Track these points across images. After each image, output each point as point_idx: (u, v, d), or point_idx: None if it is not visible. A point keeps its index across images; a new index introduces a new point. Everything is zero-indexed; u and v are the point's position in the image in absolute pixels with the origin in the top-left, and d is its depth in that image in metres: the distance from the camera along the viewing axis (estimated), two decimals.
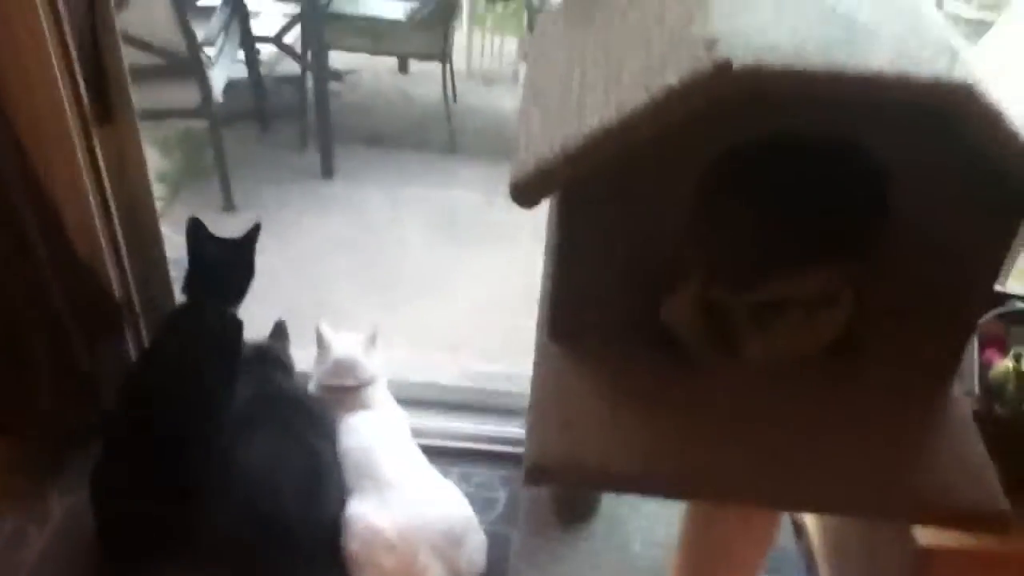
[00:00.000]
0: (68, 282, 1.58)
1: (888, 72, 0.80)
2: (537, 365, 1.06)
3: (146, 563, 1.55)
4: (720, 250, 1.05)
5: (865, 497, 0.91)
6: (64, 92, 1.44)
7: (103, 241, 1.60)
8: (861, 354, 1.03)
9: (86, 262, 1.59)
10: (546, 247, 1.59)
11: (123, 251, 1.66)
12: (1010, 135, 0.80)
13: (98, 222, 1.58)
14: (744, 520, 1.01)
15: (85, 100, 1.49)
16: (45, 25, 1.37)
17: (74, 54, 1.44)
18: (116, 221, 1.63)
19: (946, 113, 0.81)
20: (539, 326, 1.10)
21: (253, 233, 1.68)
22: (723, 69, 0.80)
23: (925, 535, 1.20)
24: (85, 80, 1.48)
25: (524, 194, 0.91)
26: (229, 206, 3.02)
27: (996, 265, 0.97)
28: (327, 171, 3.40)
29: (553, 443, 0.96)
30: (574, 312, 1.07)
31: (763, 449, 0.94)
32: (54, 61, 1.40)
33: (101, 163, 1.56)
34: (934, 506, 0.90)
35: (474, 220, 3.20)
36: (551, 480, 0.95)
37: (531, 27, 3.52)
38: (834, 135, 0.90)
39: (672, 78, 0.83)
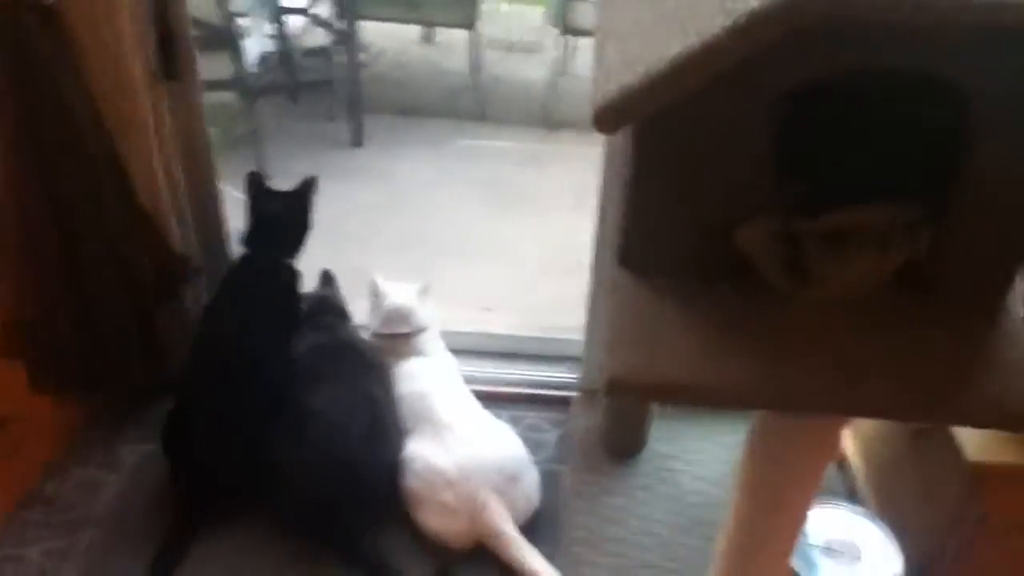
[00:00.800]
0: (135, 238, 1.63)
1: None
2: (610, 290, 1.10)
3: (220, 507, 1.62)
4: (796, 181, 1.09)
5: (932, 402, 0.96)
6: (134, 47, 1.49)
7: (166, 195, 1.65)
8: (927, 280, 1.07)
9: (151, 216, 1.65)
10: (605, 183, 1.62)
11: (185, 206, 1.71)
12: None
13: (162, 179, 1.63)
14: (810, 430, 1.06)
15: (153, 56, 1.54)
16: None
17: (144, 10, 1.49)
18: (181, 179, 1.67)
19: None
20: (607, 254, 1.14)
21: (308, 185, 1.73)
22: None
23: (976, 451, 1.25)
24: (154, 39, 1.53)
25: (607, 120, 0.94)
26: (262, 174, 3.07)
27: None
28: (357, 140, 3.46)
29: (631, 358, 1.00)
30: (646, 241, 1.11)
31: (834, 364, 0.98)
32: (126, 20, 1.45)
33: (166, 118, 1.61)
34: (997, 409, 0.95)
35: (504, 186, 3.25)
36: (630, 391, 0.99)
37: None
38: (917, 67, 0.93)
39: (753, 3, 0.87)
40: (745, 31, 0.87)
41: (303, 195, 1.73)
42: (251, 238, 1.69)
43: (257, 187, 1.71)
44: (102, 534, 1.59)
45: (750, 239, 1.05)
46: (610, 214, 1.22)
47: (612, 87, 0.96)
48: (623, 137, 1.27)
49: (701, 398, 1.02)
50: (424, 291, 1.80)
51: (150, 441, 1.74)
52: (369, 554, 1.54)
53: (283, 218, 1.70)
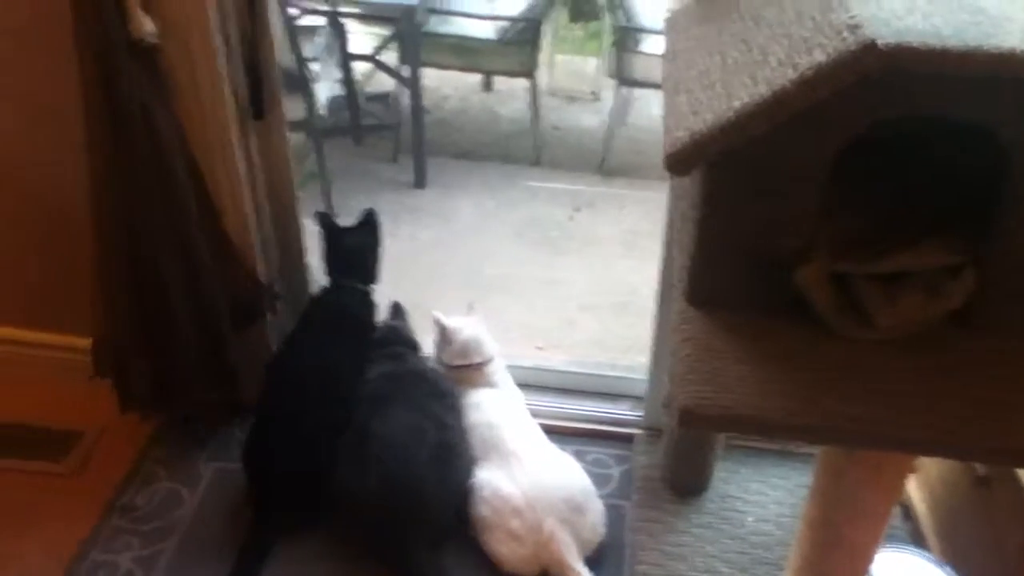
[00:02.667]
0: (221, 269, 1.72)
1: (1020, 50, 0.89)
2: (677, 325, 1.15)
3: (292, 525, 1.68)
4: (847, 225, 1.14)
5: (987, 440, 0.98)
6: (226, 88, 1.60)
7: (254, 229, 1.75)
8: (981, 323, 1.10)
9: (238, 249, 1.74)
10: (671, 215, 1.67)
11: (270, 240, 1.81)
12: None
13: (249, 208, 1.73)
14: (874, 468, 1.09)
15: (243, 97, 1.65)
16: (213, 25, 1.53)
17: (236, 54, 1.60)
18: (265, 210, 1.78)
19: None
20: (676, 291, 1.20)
21: (372, 217, 1.85)
22: (868, 47, 0.89)
23: None
24: (245, 79, 1.64)
25: (679, 163, 1.01)
26: (330, 213, 3.19)
27: None
28: (419, 182, 3.57)
29: (701, 390, 1.05)
30: (711, 277, 1.16)
31: (893, 402, 1.02)
32: (220, 60, 1.56)
33: (254, 156, 1.71)
34: None
35: (558, 230, 3.33)
36: (700, 422, 1.03)
37: (616, 46, 3.64)
38: (962, 115, 0.99)
39: (820, 56, 0.93)
40: (812, 83, 0.94)
41: (371, 227, 1.84)
42: (333, 267, 1.79)
43: (329, 224, 1.81)
44: (184, 544, 1.67)
45: (807, 279, 1.09)
46: (676, 255, 1.27)
47: (683, 133, 1.03)
48: (689, 181, 1.33)
49: (767, 432, 1.06)
50: (470, 308, 1.88)
51: (226, 459, 1.83)
52: (432, 574, 1.58)
53: (359, 248, 1.81)
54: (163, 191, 1.59)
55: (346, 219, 1.89)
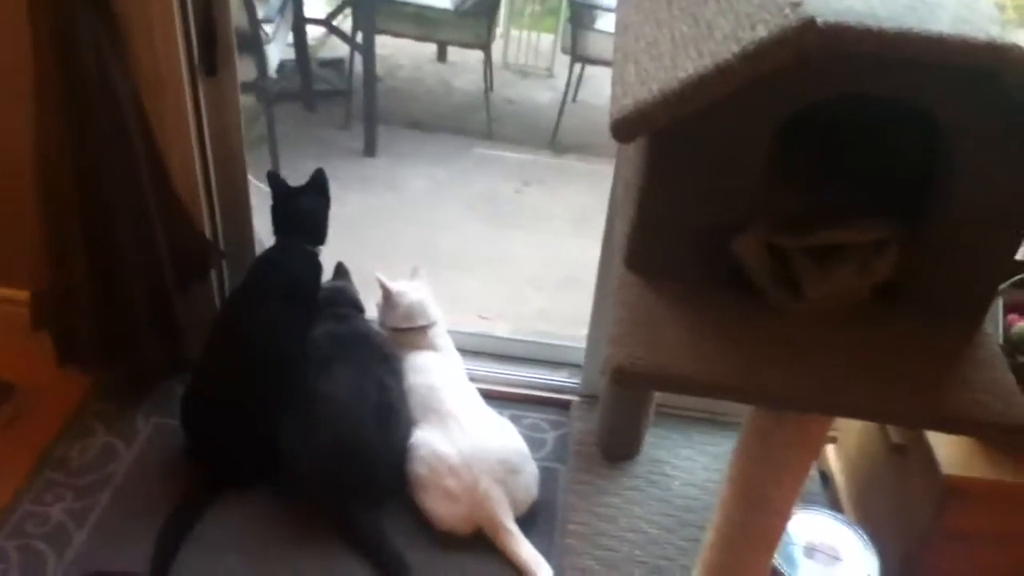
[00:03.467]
0: (168, 223, 1.71)
1: (949, 34, 0.94)
2: (617, 290, 1.19)
3: (231, 481, 1.69)
4: (784, 198, 1.19)
5: (906, 406, 1.05)
6: (180, 43, 1.59)
7: (201, 186, 1.74)
8: (906, 296, 1.17)
9: (185, 205, 1.73)
10: (615, 187, 1.70)
11: (215, 196, 1.80)
12: None
13: (198, 166, 1.72)
14: (797, 430, 1.14)
15: (195, 52, 1.63)
16: None
17: (190, 10, 1.59)
18: (212, 168, 1.77)
19: (997, 73, 0.94)
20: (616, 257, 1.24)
21: (319, 177, 1.85)
22: (808, 25, 0.94)
23: (953, 465, 1.34)
24: (197, 34, 1.62)
25: (624, 131, 1.05)
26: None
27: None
28: (370, 150, 3.55)
29: (636, 351, 1.09)
30: (652, 246, 1.20)
31: (817, 367, 1.07)
32: (175, 15, 1.55)
33: (204, 112, 1.70)
34: (966, 417, 1.03)
35: (508, 203, 3.36)
36: (634, 382, 1.08)
37: (571, 22, 3.66)
38: (896, 96, 1.04)
39: (763, 32, 0.97)
40: (753, 57, 0.98)
41: (320, 187, 1.85)
42: (281, 227, 1.79)
43: (279, 183, 1.81)
44: (118, 498, 1.67)
45: (744, 249, 1.14)
46: (618, 224, 1.31)
47: (629, 102, 1.07)
48: (633, 150, 1.37)
49: (693, 389, 1.11)
50: (415, 272, 1.91)
51: (165, 414, 1.83)
52: (371, 532, 1.61)
53: (309, 209, 1.81)
54: (114, 144, 1.58)
55: (294, 183, 1.89)
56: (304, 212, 1.80)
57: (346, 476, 1.62)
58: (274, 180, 1.83)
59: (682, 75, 1.03)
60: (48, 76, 1.48)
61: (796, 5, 0.97)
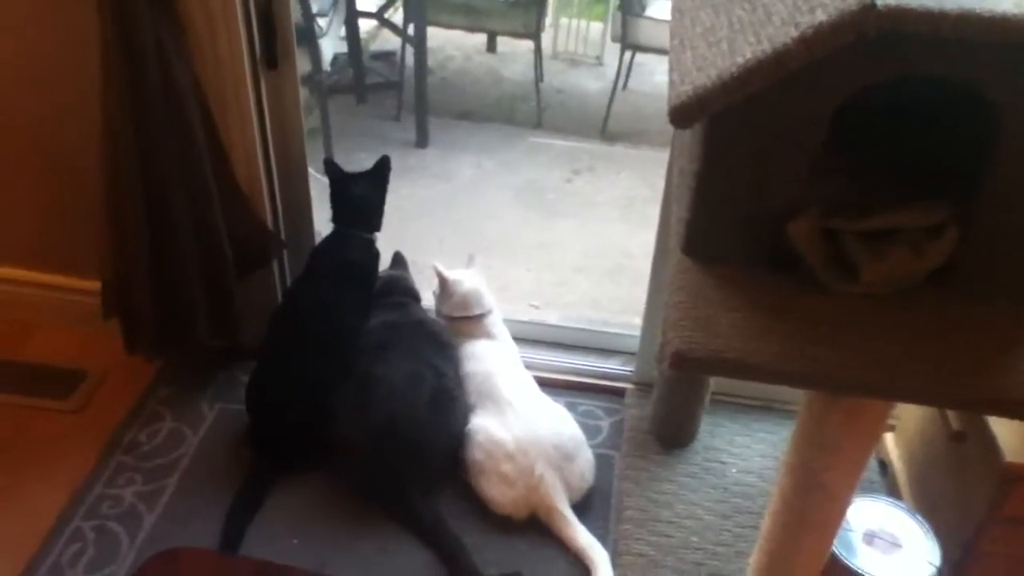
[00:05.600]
0: (229, 213, 1.76)
1: (1012, 14, 0.93)
2: (674, 275, 1.20)
3: (292, 467, 1.74)
4: (838, 182, 1.19)
5: (963, 389, 1.04)
6: (242, 38, 1.63)
7: (262, 177, 1.78)
8: (960, 279, 1.15)
9: (246, 196, 1.78)
10: (670, 175, 1.71)
11: (276, 187, 1.84)
12: None
13: (260, 157, 1.76)
14: (854, 414, 1.14)
15: (258, 47, 1.67)
16: None
17: (252, 4, 1.63)
18: (273, 158, 1.81)
19: None
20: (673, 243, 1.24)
21: (384, 164, 1.88)
22: (867, 7, 0.93)
23: (1014, 452, 1.32)
24: (258, 27, 1.66)
25: (682, 116, 1.05)
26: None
27: None
28: (421, 141, 3.59)
29: (693, 336, 1.10)
30: (709, 231, 1.20)
31: (873, 351, 1.07)
32: (237, 8, 1.59)
33: (265, 104, 1.74)
34: (1018, 402, 1.02)
35: (557, 191, 3.37)
36: (692, 366, 1.09)
37: (621, 10, 3.65)
38: (953, 78, 1.03)
39: (821, 16, 0.97)
40: (812, 41, 0.98)
41: (380, 174, 1.87)
42: (339, 215, 1.83)
43: (336, 171, 1.84)
44: (185, 481, 1.73)
45: (798, 233, 1.14)
46: (674, 211, 1.32)
47: (687, 87, 1.07)
48: (690, 137, 1.37)
49: (749, 373, 1.11)
50: (470, 260, 1.93)
51: (229, 400, 1.89)
52: (426, 515, 1.64)
53: (365, 196, 1.84)
54: (176, 135, 1.62)
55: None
56: (361, 200, 1.83)
57: (400, 459, 1.65)
58: (331, 167, 1.87)
59: (740, 60, 1.03)
60: (113, 66, 1.53)
61: None
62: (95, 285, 1.81)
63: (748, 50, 1.04)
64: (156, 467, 1.75)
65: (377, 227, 1.85)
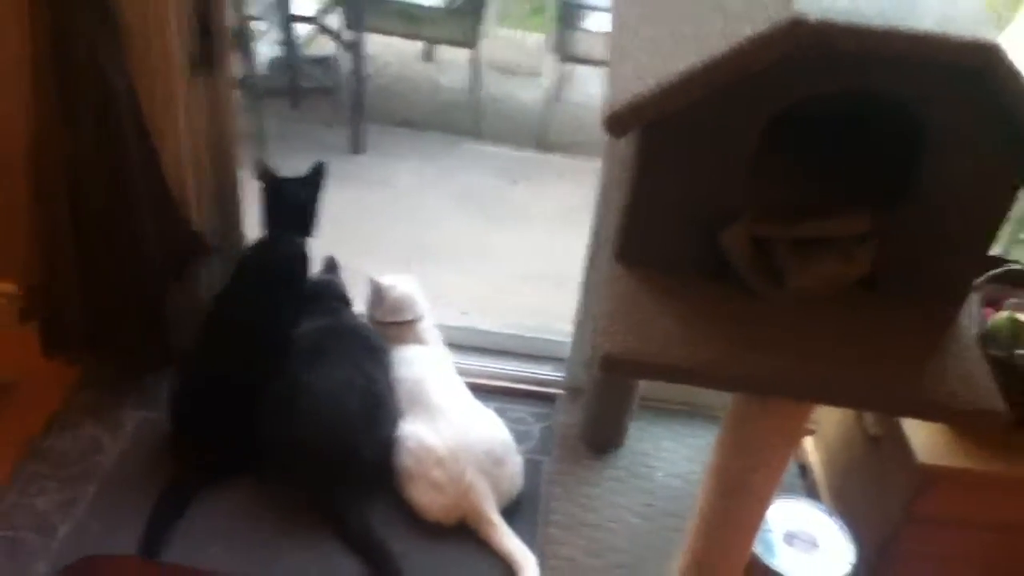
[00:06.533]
0: (158, 217, 1.72)
1: (935, 32, 0.97)
2: (606, 280, 1.22)
3: (217, 473, 1.71)
4: (769, 190, 1.22)
5: (883, 393, 1.08)
6: (176, 39, 1.59)
7: (192, 181, 1.74)
8: (886, 284, 1.20)
9: (176, 199, 1.74)
10: (604, 184, 1.72)
11: (207, 190, 1.81)
12: None
13: (191, 162, 1.72)
14: (780, 417, 1.17)
15: (192, 48, 1.64)
16: None
17: (187, 5, 1.60)
18: (205, 162, 1.77)
19: (979, 70, 0.97)
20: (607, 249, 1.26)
21: (319, 170, 1.86)
22: (798, 22, 0.97)
23: (927, 455, 1.37)
24: (193, 30, 1.63)
25: (618, 123, 1.07)
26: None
27: (1002, 217, 1.15)
28: (358, 147, 3.56)
29: (624, 340, 1.11)
30: (642, 238, 1.22)
31: (800, 356, 1.10)
32: (171, 9, 1.56)
33: (199, 108, 1.71)
34: (941, 404, 1.07)
35: (495, 200, 3.37)
36: (622, 369, 1.10)
37: (559, 21, 3.68)
38: (879, 91, 1.07)
39: (752, 30, 1.00)
40: (744, 54, 1.01)
41: (315, 180, 1.85)
42: (271, 220, 1.80)
43: (269, 176, 1.82)
44: (103, 490, 1.68)
45: (730, 241, 1.17)
46: (608, 219, 1.34)
47: (625, 95, 1.09)
48: (624, 145, 1.39)
49: (679, 376, 1.13)
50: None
51: (151, 407, 1.84)
52: (357, 522, 1.63)
53: (298, 201, 1.82)
54: (108, 139, 1.59)
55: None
56: (295, 204, 1.81)
57: (328, 465, 1.64)
58: (264, 171, 1.84)
59: (676, 71, 1.06)
60: (43, 69, 1.50)
61: (787, 3, 1.00)
62: (10, 288, 1.74)
63: (684, 61, 1.07)
64: (73, 475, 1.70)
65: (310, 232, 1.83)
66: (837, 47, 0.99)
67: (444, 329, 1.96)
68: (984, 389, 1.09)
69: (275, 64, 3.62)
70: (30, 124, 1.55)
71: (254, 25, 3.14)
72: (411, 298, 1.86)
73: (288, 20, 3.59)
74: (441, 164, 3.57)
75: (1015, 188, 1.13)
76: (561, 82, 3.88)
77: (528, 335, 2.12)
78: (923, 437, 1.43)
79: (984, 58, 0.97)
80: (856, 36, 0.99)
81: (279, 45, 3.62)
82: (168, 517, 1.61)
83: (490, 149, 3.76)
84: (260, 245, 1.82)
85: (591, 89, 4.09)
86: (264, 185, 1.82)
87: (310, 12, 3.77)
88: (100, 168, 1.60)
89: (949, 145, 1.07)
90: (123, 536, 1.57)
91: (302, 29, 3.85)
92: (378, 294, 1.88)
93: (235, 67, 3.07)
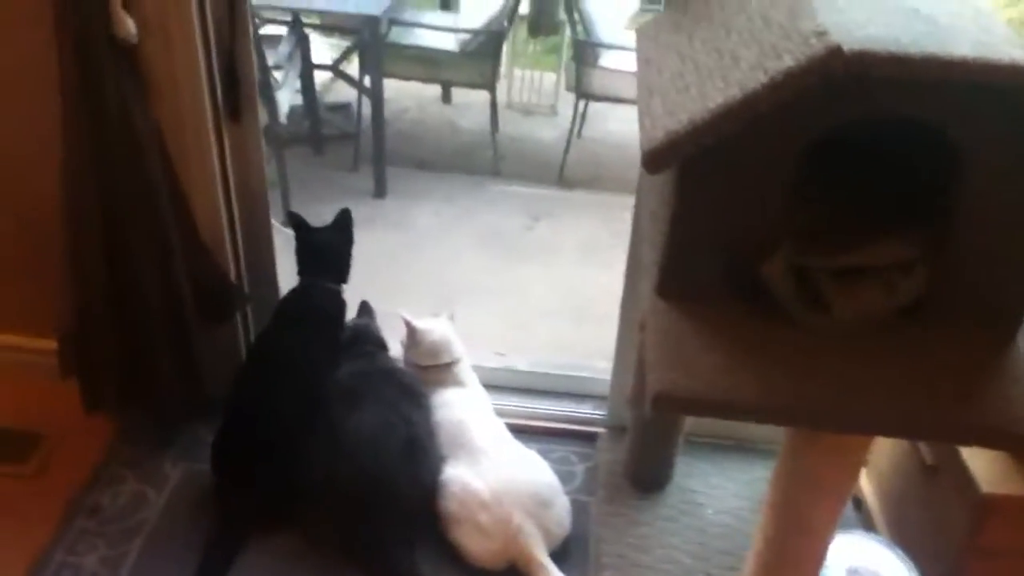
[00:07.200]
0: (191, 265, 1.73)
1: (971, 57, 0.97)
2: (650, 317, 1.21)
3: (261, 524, 1.69)
4: (809, 220, 1.21)
5: (941, 421, 1.05)
6: (204, 90, 1.62)
7: (225, 229, 1.76)
8: (935, 313, 1.18)
9: (209, 249, 1.75)
10: (637, 217, 1.72)
11: (239, 238, 1.82)
12: None
13: (223, 211, 1.74)
14: (834, 450, 1.15)
15: (220, 99, 1.67)
16: (196, 28, 1.55)
17: (214, 57, 1.62)
18: (236, 211, 1.79)
19: (1017, 92, 0.97)
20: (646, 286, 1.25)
21: (343, 216, 1.90)
22: (835, 52, 0.96)
23: (987, 483, 1.34)
24: (221, 81, 1.66)
25: (656, 161, 1.07)
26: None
27: None
28: (380, 191, 3.59)
29: (673, 377, 1.10)
30: (683, 272, 1.22)
31: (852, 387, 1.08)
32: (200, 61, 1.58)
33: (228, 157, 1.73)
34: (1006, 430, 1.04)
35: (516, 239, 3.38)
36: (675, 407, 1.09)
37: (574, 60, 3.72)
38: (915, 117, 1.06)
39: (789, 61, 1.00)
40: (781, 85, 1.00)
41: (343, 226, 1.88)
42: (305, 267, 1.81)
43: (301, 223, 1.84)
44: (150, 545, 1.67)
45: (771, 272, 1.16)
46: (646, 253, 1.33)
47: (659, 133, 1.09)
48: (660, 180, 1.39)
49: (735, 415, 1.12)
50: (450, 318, 1.93)
51: (192, 458, 1.84)
52: (400, 569, 1.61)
53: (331, 247, 1.85)
54: (138, 190, 1.61)
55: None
56: (327, 251, 1.83)
57: (372, 511, 1.62)
58: (295, 219, 1.86)
59: (711, 104, 1.05)
60: (74, 122, 1.51)
61: (822, 34, 1.00)
62: (50, 344, 1.76)
63: (719, 95, 1.07)
64: (119, 531, 1.69)
65: (344, 278, 1.85)
66: (874, 75, 0.99)
67: (480, 370, 1.95)
68: None
69: (295, 112, 3.67)
70: (62, 176, 1.57)
71: (274, 75, 3.17)
72: (448, 340, 1.86)
73: (307, 68, 3.65)
74: (463, 205, 3.59)
75: None
76: (579, 119, 3.91)
77: (566, 373, 2.10)
78: (983, 465, 1.39)
79: (1021, 79, 0.96)
80: (894, 63, 0.98)
81: (298, 93, 3.68)
82: (216, 569, 1.59)
83: (511, 188, 3.78)
84: (296, 291, 1.83)
85: (608, 125, 4.12)
86: (296, 233, 1.84)
87: (327, 60, 3.84)
88: (132, 217, 1.61)
89: (990, 168, 1.06)
90: None
91: (320, 76, 3.91)
92: (414, 337, 1.87)
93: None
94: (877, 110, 1.06)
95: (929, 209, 1.17)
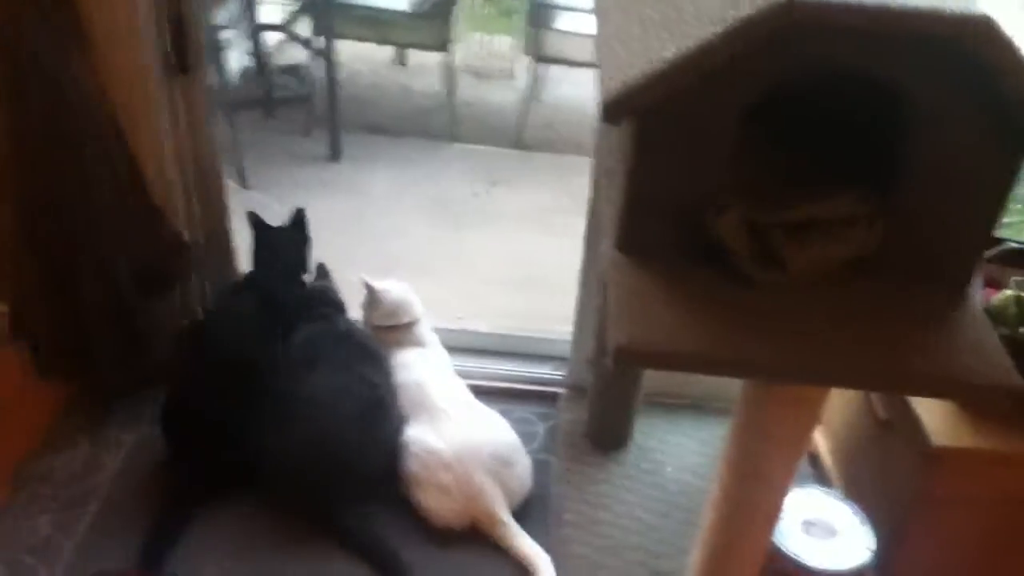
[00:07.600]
0: (142, 229, 1.68)
1: (922, 7, 0.97)
2: (610, 272, 1.20)
3: (216, 488, 1.67)
4: (760, 175, 1.22)
5: (894, 372, 1.07)
6: (146, 39, 1.56)
7: (178, 188, 1.71)
8: (888, 266, 1.20)
9: (160, 209, 1.70)
10: (597, 177, 1.72)
11: (193, 199, 1.77)
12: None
13: (173, 169, 1.69)
14: (790, 403, 1.16)
15: (165, 50, 1.61)
16: None
17: (157, 9, 1.57)
18: (189, 170, 1.74)
19: (968, 44, 0.97)
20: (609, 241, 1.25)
21: (299, 217, 1.90)
22: (788, 2, 0.96)
23: (938, 436, 1.37)
24: (168, 33, 1.60)
25: (614, 110, 1.06)
26: (244, 185, 3.13)
27: (1004, 194, 1.15)
28: (334, 155, 3.53)
29: (634, 331, 1.10)
30: (641, 227, 1.21)
31: (807, 339, 1.09)
32: (141, 14, 1.52)
33: (178, 113, 1.68)
34: (953, 380, 1.06)
35: (471, 204, 3.36)
36: (635, 360, 1.09)
37: (530, 23, 3.68)
38: (869, 71, 1.07)
39: (747, 10, 0.99)
40: (735, 35, 1.00)
41: (300, 226, 1.89)
42: (261, 267, 1.84)
43: (258, 223, 1.84)
44: (104, 509, 1.65)
45: (724, 227, 1.16)
46: (605, 210, 1.33)
47: (617, 84, 1.08)
48: (618, 136, 1.38)
49: (694, 368, 1.12)
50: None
51: (143, 424, 1.81)
52: (361, 531, 1.60)
53: (287, 248, 1.87)
54: (75, 148, 1.54)
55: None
56: (282, 251, 1.83)
57: (329, 475, 1.61)
58: (254, 219, 1.84)
59: (667, 55, 1.05)
60: (7, 81, 1.46)
61: None
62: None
63: (675, 45, 1.06)
64: (72, 495, 1.66)
65: (302, 272, 1.85)
66: (830, 25, 0.99)
67: (441, 332, 1.93)
68: (1000, 365, 1.09)
69: (246, 74, 3.58)
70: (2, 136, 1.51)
71: (222, 35, 3.09)
72: (407, 300, 1.84)
73: (256, 29, 3.56)
74: (418, 170, 3.55)
75: (1014, 166, 1.13)
76: (535, 83, 3.87)
77: (527, 334, 2.10)
78: (934, 420, 1.42)
79: (977, 31, 0.97)
80: (847, 13, 0.98)
81: (248, 55, 3.59)
82: (169, 532, 1.57)
83: (466, 152, 3.75)
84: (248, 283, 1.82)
85: (562, 89, 4.10)
86: (254, 233, 1.84)
87: (277, 20, 3.74)
88: (70, 179, 1.56)
89: (942, 123, 1.07)
90: (128, 555, 1.54)
91: (271, 38, 3.82)
92: (373, 297, 1.85)
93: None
94: (830, 63, 1.06)
95: (880, 164, 1.18)
